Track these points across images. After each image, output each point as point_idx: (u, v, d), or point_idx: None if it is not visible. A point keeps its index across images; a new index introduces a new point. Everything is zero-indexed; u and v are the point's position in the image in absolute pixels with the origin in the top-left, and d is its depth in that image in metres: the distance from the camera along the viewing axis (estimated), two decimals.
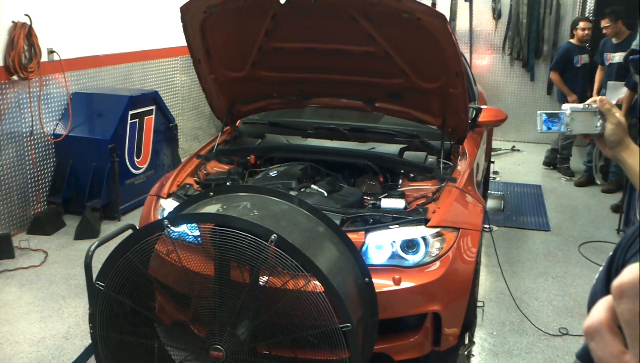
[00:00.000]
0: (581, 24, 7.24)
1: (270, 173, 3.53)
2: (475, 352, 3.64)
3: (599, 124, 1.57)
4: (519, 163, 8.08)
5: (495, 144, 7.74)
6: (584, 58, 7.29)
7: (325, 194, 3.31)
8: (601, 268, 0.90)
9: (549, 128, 1.69)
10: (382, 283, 2.84)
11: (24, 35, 4.95)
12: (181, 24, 3.67)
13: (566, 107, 1.64)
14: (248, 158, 3.94)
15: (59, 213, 5.51)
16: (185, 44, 3.83)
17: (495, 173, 7.40)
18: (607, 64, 6.90)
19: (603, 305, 0.49)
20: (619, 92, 6.13)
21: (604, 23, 6.75)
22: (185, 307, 2.55)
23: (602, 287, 0.86)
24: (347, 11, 3.31)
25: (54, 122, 5.58)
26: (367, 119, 4.27)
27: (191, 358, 2.47)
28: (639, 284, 0.45)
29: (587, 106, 1.59)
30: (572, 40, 7.39)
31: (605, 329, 0.48)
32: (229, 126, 4.30)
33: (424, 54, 3.47)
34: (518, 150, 8.73)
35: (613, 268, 0.86)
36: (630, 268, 0.46)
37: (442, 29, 3.20)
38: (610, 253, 0.91)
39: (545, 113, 1.69)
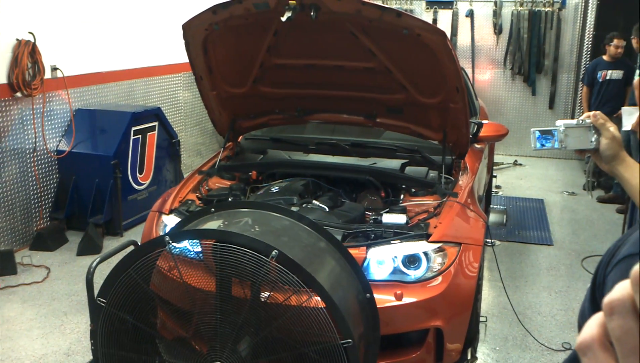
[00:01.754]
0: (615, 42, 6.92)
1: (272, 189, 3.53)
2: None
3: (593, 139, 1.58)
4: (521, 177, 8.08)
5: (497, 158, 7.76)
6: (611, 74, 7.02)
7: (327, 209, 3.32)
8: (589, 284, 0.91)
9: (542, 145, 1.70)
10: (384, 299, 2.83)
11: (27, 52, 5.00)
12: (183, 41, 3.70)
13: (560, 124, 1.65)
14: (250, 173, 3.96)
15: (62, 229, 5.52)
16: (187, 60, 3.86)
17: (498, 187, 7.40)
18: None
19: (595, 321, 0.49)
20: (633, 116, 6.00)
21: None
22: (186, 323, 2.54)
23: (589, 304, 0.87)
24: (347, 28, 3.34)
25: (57, 139, 5.61)
26: (369, 134, 4.29)
27: None
28: (628, 300, 0.46)
29: (581, 121, 1.60)
30: (603, 56, 7.15)
31: (597, 345, 0.48)
32: (231, 142, 4.31)
33: (424, 70, 3.49)
34: (520, 164, 8.74)
35: (596, 283, 0.87)
36: (621, 285, 0.46)
37: (442, 45, 3.22)
38: (595, 269, 0.92)
39: (539, 130, 1.71)
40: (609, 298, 0.47)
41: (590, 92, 7.31)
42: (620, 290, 0.46)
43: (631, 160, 1.54)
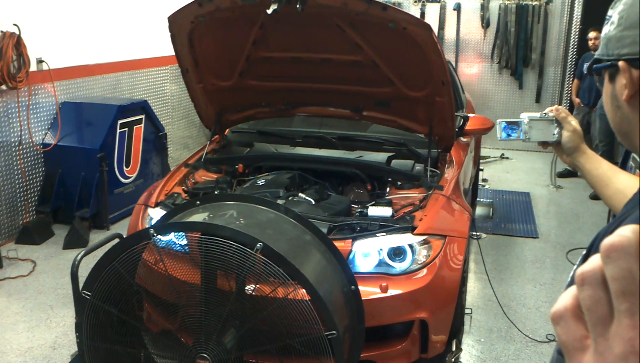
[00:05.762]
0: (590, 34, 7.08)
1: (258, 182, 3.54)
2: (463, 358, 3.65)
3: (555, 132, 1.64)
4: (508, 171, 8.13)
5: (484, 152, 7.80)
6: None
7: (313, 202, 3.32)
8: (575, 267, 0.93)
9: (508, 135, 1.75)
10: (369, 291, 2.85)
11: (12, 44, 4.95)
12: (169, 33, 3.69)
13: (524, 116, 1.71)
14: (236, 166, 3.96)
15: (48, 223, 5.50)
16: (174, 53, 3.84)
17: (484, 180, 7.44)
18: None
19: (569, 293, 0.51)
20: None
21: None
22: (172, 316, 2.55)
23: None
24: (333, 21, 3.34)
25: (43, 132, 5.57)
26: (355, 127, 4.30)
27: None
28: (599, 272, 0.48)
29: (544, 114, 1.66)
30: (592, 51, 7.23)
31: (570, 315, 0.50)
32: (218, 135, 4.31)
33: (410, 63, 3.50)
34: (507, 158, 8.78)
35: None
36: (593, 258, 0.49)
37: (428, 39, 3.24)
38: (584, 252, 0.94)
39: (505, 121, 1.76)
40: (581, 269, 0.49)
41: (579, 85, 7.58)
42: (592, 262, 0.49)
43: (591, 152, 1.60)
